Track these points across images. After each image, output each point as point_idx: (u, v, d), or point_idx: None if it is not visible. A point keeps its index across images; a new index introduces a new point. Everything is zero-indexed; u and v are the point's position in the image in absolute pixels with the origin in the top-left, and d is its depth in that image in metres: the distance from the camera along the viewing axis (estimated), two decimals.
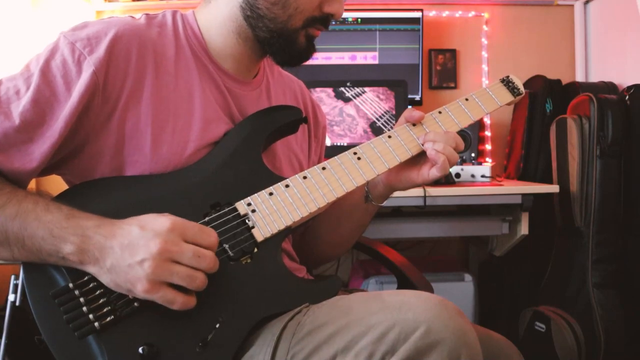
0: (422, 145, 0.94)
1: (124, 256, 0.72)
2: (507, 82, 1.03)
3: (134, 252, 0.72)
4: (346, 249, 1.16)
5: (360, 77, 2.23)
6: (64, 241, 0.74)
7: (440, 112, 0.98)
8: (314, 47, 0.95)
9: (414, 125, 0.97)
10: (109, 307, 0.75)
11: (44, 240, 0.74)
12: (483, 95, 1.01)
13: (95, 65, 0.81)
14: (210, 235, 0.76)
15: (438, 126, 0.97)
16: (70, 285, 0.75)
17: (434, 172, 0.93)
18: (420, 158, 0.95)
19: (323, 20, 0.93)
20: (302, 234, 1.16)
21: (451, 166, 0.92)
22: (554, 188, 1.90)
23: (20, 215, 0.75)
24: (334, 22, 0.95)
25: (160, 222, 0.74)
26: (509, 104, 1.03)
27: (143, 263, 0.71)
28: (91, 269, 0.75)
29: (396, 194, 1.05)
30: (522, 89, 1.03)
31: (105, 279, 0.74)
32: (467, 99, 1.00)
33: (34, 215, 0.75)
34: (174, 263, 0.73)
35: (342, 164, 0.92)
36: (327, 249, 1.16)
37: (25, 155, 0.80)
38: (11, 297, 1.44)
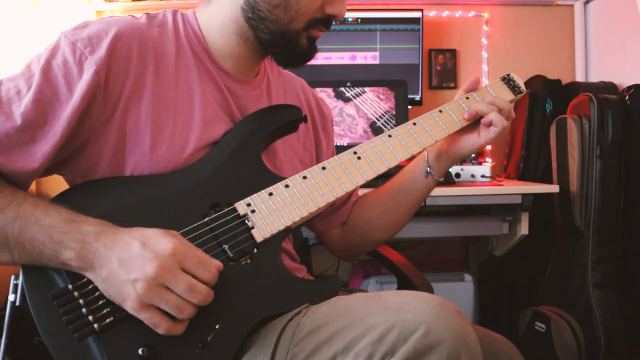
0: (446, 129, 0.97)
1: (119, 271, 0.72)
2: (508, 81, 1.03)
3: (130, 269, 0.71)
4: (400, 229, 1.15)
5: (360, 77, 2.23)
6: (64, 247, 0.74)
7: (440, 111, 0.98)
8: (315, 48, 0.95)
9: (414, 124, 0.97)
10: (109, 309, 0.75)
11: (43, 245, 0.74)
12: (484, 94, 1.01)
13: (96, 65, 0.81)
14: (209, 270, 0.74)
15: (438, 125, 0.97)
16: (70, 286, 0.75)
17: (493, 129, 0.96)
18: (475, 124, 0.99)
19: (325, 22, 0.93)
20: (344, 224, 1.16)
21: (507, 119, 0.97)
22: (554, 188, 1.90)
23: (20, 219, 0.75)
24: (334, 23, 0.95)
25: (162, 243, 0.73)
26: (510, 103, 1.03)
27: (136, 283, 0.71)
28: (89, 275, 0.75)
29: None
30: (523, 87, 1.03)
31: (100, 286, 0.74)
32: (467, 98, 1.00)
33: (34, 219, 0.75)
34: (166, 290, 0.72)
35: (342, 163, 0.92)
36: (381, 232, 1.14)
37: (27, 155, 0.80)
38: (11, 297, 1.44)
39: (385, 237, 1.16)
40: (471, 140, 0.99)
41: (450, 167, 1.05)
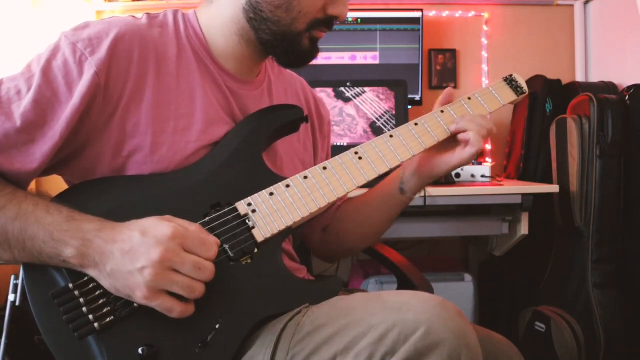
0: (448, 130, 0.95)
1: (124, 262, 0.72)
2: (510, 81, 1.03)
3: (135, 259, 0.72)
4: (374, 242, 1.16)
5: (361, 77, 2.23)
6: (64, 244, 0.74)
7: (442, 112, 0.98)
8: (317, 49, 0.95)
9: (416, 124, 0.96)
10: (109, 308, 0.75)
11: (44, 243, 0.74)
12: (486, 95, 1.01)
13: (96, 66, 0.81)
14: (210, 249, 0.75)
15: (440, 125, 0.97)
16: (70, 285, 0.75)
17: (468, 150, 0.94)
18: (452, 142, 0.96)
19: (327, 22, 0.92)
20: (325, 229, 1.16)
21: (484, 139, 0.94)
22: (554, 188, 1.90)
23: (21, 218, 0.75)
24: (336, 23, 0.95)
25: (161, 228, 0.73)
26: (512, 103, 1.03)
27: (143, 270, 0.71)
28: (91, 273, 0.75)
29: None
30: (525, 87, 1.02)
31: (105, 283, 0.74)
32: (469, 98, 1.00)
33: (34, 217, 0.75)
34: (174, 272, 0.72)
35: (343, 163, 0.92)
36: (356, 242, 1.15)
37: (26, 156, 0.80)
38: (11, 297, 1.44)
39: (359, 247, 1.18)
40: (444, 160, 0.98)
41: (425, 185, 1.04)
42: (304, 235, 1.20)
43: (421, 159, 0.99)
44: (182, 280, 0.72)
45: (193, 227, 0.77)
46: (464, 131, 0.94)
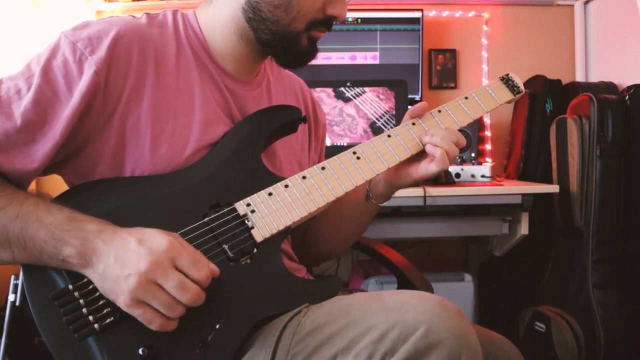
0: (421, 142, 0.94)
1: (115, 267, 0.72)
2: (506, 81, 1.03)
3: (124, 265, 0.71)
4: (346, 248, 1.16)
5: (361, 77, 2.23)
6: (65, 244, 0.73)
7: (439, 111, 0.98)
8: (316, 49, 0.95)
9: (413, 124, 0.97)
10: (109, 309, 0.74)
11: (45, 243, 0.74)
12: (483, 94, 1.01)
13: (96, 65, 0.81)
14: (201, 270, 0.73)
15: (438, 125, 0.97)
16: (70, 286, 0.75)
17: (432, 167, 0.92)
18: (420, 155, 0.95)
19: (326, 22, 0.92)
20: (303, 232, 1.16)
21: (450, 161, 0.92)
22: (554, 188, 1.90)
23: (21, 217, 0.75)
24: (335, 23, 0.95)
25: (158, 240, 0.73)
26: (508, 102, 1.03)
27: (128, 278, 0.71)
28: (87, 272, 0.75)
29: (397, 193, 1.05)
30: (521, 87, 1.03)
31: (97, 283, 0.74)
32: (466, 98, 1.00)
33: (35, 217, 0.75)
34: (157, 287, 0.71)
35: (341, 163, 0.92)
36: (328, 247, 1.16)
37: (26, 155, 0.80)
38: (11, 297, 1.44)
39: (333, 252, 1.18)
40: (407, 172, 0.97)
41: (390, 194, 1.03)
42: None
43: (387, 170, 0.96)
44: (162, 297, 0.71)
45: (192, 249, 0.76)
46: (435, 145, 0.91)
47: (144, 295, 0.71)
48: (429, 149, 0.92)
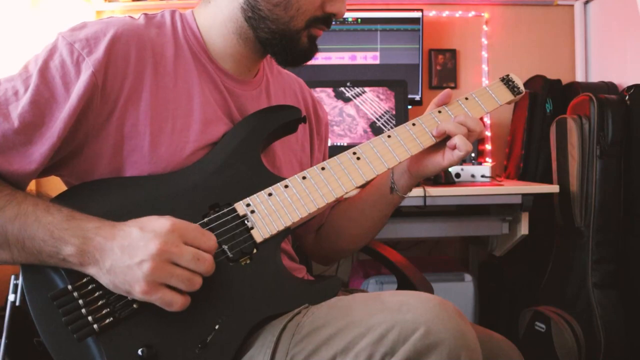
0: (433, 136, 0.95)
1: (123, 257, 0.72)
2: (507, 81, 1.03)
3: (133, 253, 0.72)
4: (366, 243, 1.15)
5: (360, 77, 2.23)
6: (64, 243, 0.73)
7: (440, 112, 0.98)
8: (316, 47, 0.95)
9: (413, 125, 0.96)
10: (108, 309, 0.74)
11: (44, 242, 0.74)
12: (483, 95, 1.01)
13: (94, 66, 0.81)
14: (210, 239, 0.76)
15: (438, 125, 0.97)
16: (69, 287, 0.75)
17: (457, 152, 0.93)
18: (442, 143, 0.96)
19: (325, 20, 0.92)
20: (318, 230, 1.16)
21: (473, 140, 0.94)
22: (554, 188, 1.90)
23: (20, 217, 0.75)
24: (334, 22, 0.95)
25: (160, 223, 0.74)
26: (509, 103, 1.03)
27: (142, 264, 0.71)
28: (91, 270, 0.74)
29: None
30: (522, 87, 1.03)
31: (104, 280, 0.74)
32: (467, 98, 1.00)
33: (34, 216, 0.75)
34: (173, 265, 0.72)
35: (341, 164, 0.92)
36: (347, 244, 1.15)
37: (24, 157, 0.80)
38: (11, 297, 1.44)
39: (353, 247, 1.17)
40: (435, 160, 0.97)
41: (414, 184, 1.04)
42: (298, 236, 1.19)
43: (411, 159, 0.98)
44: (181, 273, 0.72)
45: (191, 223, 0.77)
46: (448, 135, 0.93)
47: (161, 277, 0.71)
48: (448, 143, 0.93)
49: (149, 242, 0.72)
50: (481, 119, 0.99)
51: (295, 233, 1.17)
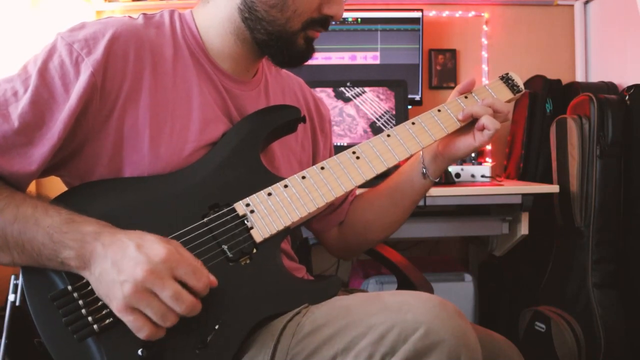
0: (459, 120, 0.97)
1: (111, 271, 0.71)
2: (506, 80, 1.03)
3: (121, 270, 0.71)
4: (397, 229, 1.15)
5: (360, 77, 2.23)
6: (63, 246, 0.73)
7: (439, 111, 0.98)
8: (313, 49, 0.94)
9: (413, 124, 0.97)
10: (108, 310, 0.74)
11: (43, 245, 0.74)
12: (483, 93, 1.01)
13: (93, 66, 0.81)
14: (200, 280, 0.73)
15: (437, 124, 0.97)
16: (69, 287, 0.75)
17: (487, 132, 0.95)
18: (470, 126, 0.98)
19: (322, 22, 0.92)
20: (341, 224, 1.16)
21: (501, 122, 0.97)
22: (554, 188, 1.90)
23: (20, 220, 0.75)
24: (333, 23, 0.95)
25: (156, 249, 0.72)
26: (508, 102, 1.03)
27: (124, 284, 0.70)
28: (85, 273, 0.74)
29: None
30: (521, 86, 1.03)
31: (93, 284, 0.74)
32: (466, 97, 1.00)
33: (34, 219, 0.75)
34: (152, 295, 0.71)
35: (340, 163, 0.92)
36: (379, 233, 1.15)
37: (24, 157, 0.80)
38: (11, 297, 1.44)
39: (382, 237, 1.17)
40: (467, 142, 0.99)
41: (446, 167, 1.05)
42: (317, 234, 1.19)
43: (441, 143, 1.01)
44: (157, 306, 0.71)
45: (192, 258, 0.75)
46: (474, 117, 0.96)
47: (138, 303, 0.70)
48: (477, 125, 0.96)
49: (137, 266, 0.70)
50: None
51: (314, 230, 1.17)
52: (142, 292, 0.70)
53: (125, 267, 0.71)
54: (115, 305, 0.71)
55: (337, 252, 1.22)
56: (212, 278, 0.75)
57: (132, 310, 0.71)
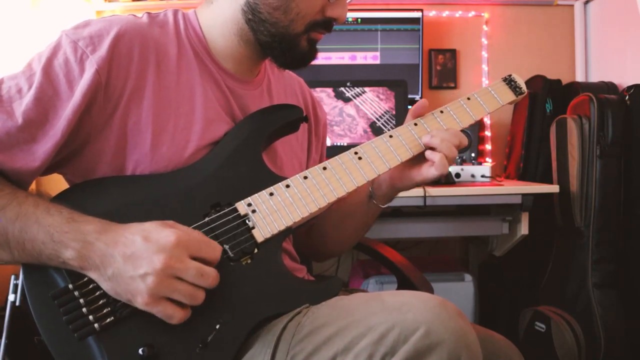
0: (422, 144, 0.94)
1: (126, 267, 0.72)
2: (509, 81, 1.03)
3: (137, 264, 0.71)
4: (350, 246, 1.16)
5: (360, 77, 2.23)
6: (64, 246, 0.73)
7: (442, 112, 0.98)
8: (316, 51, 0.95)
9: (415, 125, 0.96)
10: (109, 308, 0.74)
11: (44, 245, 0.74)
12: (485, 95, 1.01)
13: (97, 64, 0.81)
14: (215, 249, 0.76)
15: (440, 125, 0.97)
16: (70, 286, 0.75)
17: (432, 171, 0.92)
18: (422, 157, 0.95)
19: (325, 24, 0.92)
20: (308, 231, 1.16)
21: (450, 163, 0.92)
22: (554, 188, 1.90)
23: (21, 218, 0.75)
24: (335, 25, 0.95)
25: (165, 235, 0.73)
26: (511, 103, 1.03)
27: (146, 277, 0.71)
28: (92, 275, 0.74)
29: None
30: (524, 87, 1.02)
31: (105, 286, 0.74)
32: (468, 98, 1.00)
33: (35, 218, 0.75)
34: (177, 280, 0.72)
35: (342, 163, 0.92)
36: (333, 246, 1.16)
37: (28, 154, 0.80)
38: (11, 297, 1.44)
39: (338, 250, 1.18)
40: (409, 177, 0.97)
41: (391, 197, 1.03)
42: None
43: (392, 171, 0.97)
44: (184, 288, 0.72)
45: (195, 232, 0.77)
46: (434, 148, 0.92)
47: (165, 291, 0.72)
48: (428, 154, 0.92)
49: (153, 255, 0.71)
50: (482, 119, 0.99)
51: None
52: (166, 279, 0.71)
53: (141, 260, 0.71)
54: (141, 300, 0.71)
55: (306, 252, 1.22)
56: (217, 244, 0.78)
57: (160, 300, 0.72)
